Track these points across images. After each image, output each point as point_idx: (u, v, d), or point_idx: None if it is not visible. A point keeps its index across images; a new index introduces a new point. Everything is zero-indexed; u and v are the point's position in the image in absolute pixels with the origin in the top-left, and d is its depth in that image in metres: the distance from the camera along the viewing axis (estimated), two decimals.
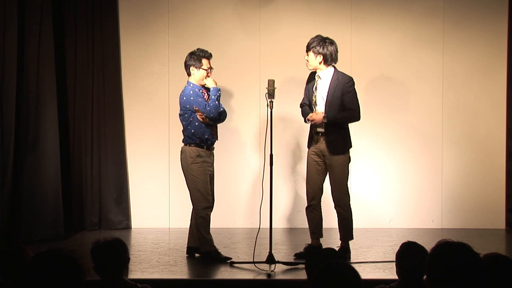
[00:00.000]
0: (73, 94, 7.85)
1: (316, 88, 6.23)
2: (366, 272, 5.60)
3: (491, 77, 7.92)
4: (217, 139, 6.36)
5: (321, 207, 6.29)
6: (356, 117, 6.24)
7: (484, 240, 7.02)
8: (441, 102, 7.93)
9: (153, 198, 8.01)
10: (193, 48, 7.69)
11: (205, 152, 6.22)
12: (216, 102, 6.20)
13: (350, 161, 6.27)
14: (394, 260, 3.66)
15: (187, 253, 6.32)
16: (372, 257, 6.28)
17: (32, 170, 7.11)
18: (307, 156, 6.30)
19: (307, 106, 6.32)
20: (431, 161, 7.94)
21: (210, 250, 6.17)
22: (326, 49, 6.15)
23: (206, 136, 6.22)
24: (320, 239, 6.30)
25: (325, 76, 6.23)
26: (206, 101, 6.23)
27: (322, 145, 6.20)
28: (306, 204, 6.34)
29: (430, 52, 7.90)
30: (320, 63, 6.18)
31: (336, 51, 6.22)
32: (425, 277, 2.65)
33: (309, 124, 6.30)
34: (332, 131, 6.18)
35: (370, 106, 7.83)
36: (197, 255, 6.26)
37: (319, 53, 6.15)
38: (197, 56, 6.25)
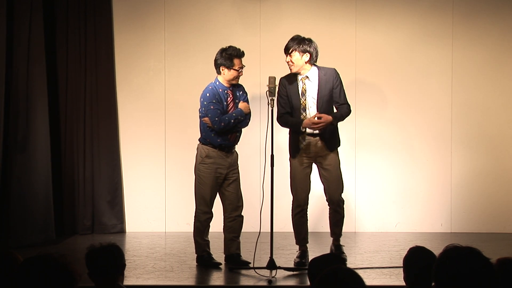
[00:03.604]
0: (64, 92, 7.80)
1: (304, 91, 6.10)
2: (371, 278, 5.61)
3: (503, 74, 7.88)
4: (235, 144, 6.26)
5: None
6: (350, 110, 6.23)
7: (495, 245, 6.98)
8: (450, 100, 7.87)
9: (148, 200, 7.97)
10: (190, 43, 7.80)
11: (217, 152, 6.12)
12: (232, 121, 6.05)
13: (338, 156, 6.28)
14: (401, 265, 3.64)
15: (225, 261, 6.18)
16: (378, 262, 6.25)
17: (22, 171, 7.04)
18: (293, 161, 6.18)
19: (288, 115, 6.16)
20: (439, 162, 7.89)
21: (202, 254, 6.14)
22: (311, 47, 6.08)
23: (219, 141, 6.12)
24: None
25: (312, 76, 6.13)
26: (228, 103, 6.12)
27: (315, 147, 6.10)
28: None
29: (439, 47, 7.85)
30: (306, 62, 6.08)
31: (318, 48, 6.15)
32: (433, 283, 2.63)
33: (288, 131, 6.21)
34: (328, 129, 6.10)
35: (375, 105, 7.82)
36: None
37: (306, 51, 6.05)
38: (229, 55, 6.10)
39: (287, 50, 6.06)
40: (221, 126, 6.02)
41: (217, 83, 6.14)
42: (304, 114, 6.07)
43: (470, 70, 7.84)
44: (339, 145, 6.20)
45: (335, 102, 6.14)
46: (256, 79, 7.68)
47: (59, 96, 7.75)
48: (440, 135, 7.86)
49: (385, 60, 7.85)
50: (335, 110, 6.17)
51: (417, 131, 7.87)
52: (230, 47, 6.13)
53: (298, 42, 6.03)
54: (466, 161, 7.85)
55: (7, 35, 6.89)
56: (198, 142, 6.20)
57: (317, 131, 6.04)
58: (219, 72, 6.14)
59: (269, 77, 5.91)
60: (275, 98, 5.92)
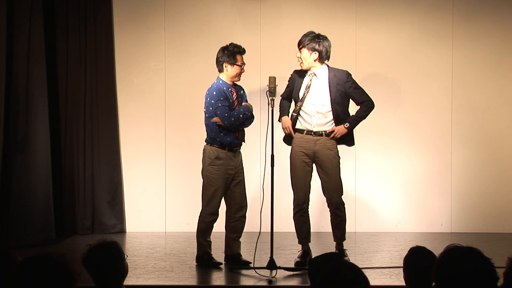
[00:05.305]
0: (64, 92, 7.76)
1: (309, 86, 6.10)
2: (372, 278, 5.51)
3: (503, 74, 7.85)
4: (243, 142, 6.23)
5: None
6: (372, 106, 6.22)
7: (495, 245, 6.94)
8: (450, 100, 7.84)
9: (148, 200, 7.93)
10: (190, 43, 7.76)
11: (226, 153, 6.08)
12: (241, 116, 6.05)
13: (339, 158, 6.20)
14: (401, 265, 3.64)
15: (225, 260, 6.18)
16: (378, 262, 6.24)
17: (22, 171, 7.00)
18: (292, 156, 6.16)
19: (285, 101, 6.27)
20: (439, 162, 7.86)
21: (203, 254, 6.13)
22: (322, 45, 6.07)
23: (229, 139, 6.08)
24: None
25: (321, 74, 6.12)
26: (233, 100, 6.11)
27: (316, 145, 6.07)
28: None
29: (439, 47, 7.83)
30: (315, 60, 6.08)
31: (330, 47, 6.13)
32: (434, 283, 2.63)
33: (291, 118, 6.18)
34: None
35: (375, 105, 7.65)
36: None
37: (315, 50, 6.05)
38: (231, 52, 6.11)
39: (298, 46, 6.08)
40: (232, 121, 6.00)
41: (221, 82, 6.11)
42: (300, 104, 6.08)
43: (470, 70, 7.81)
44: (352, 144, 6.21)
45: (356, 103, 6.17)
46: (256, 79, 7.67)
47: (59, 96, 7.71)
48: (440, 134, 7.83)
49: (385, 60, 7.83)
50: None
51: (417, 131, 7.84)
52: (231, 44, 6.14)
53: (310, 39, 6.04)
54: (466, 161, 7.82)
55: (7, 35, 6.84)
56: (205, 143, 6.14)
57: (316, 129, 6.06)
58: (221, 70, 6.12)
59: (269, 77, 5.91)
60: (275, 98, 5.90)
